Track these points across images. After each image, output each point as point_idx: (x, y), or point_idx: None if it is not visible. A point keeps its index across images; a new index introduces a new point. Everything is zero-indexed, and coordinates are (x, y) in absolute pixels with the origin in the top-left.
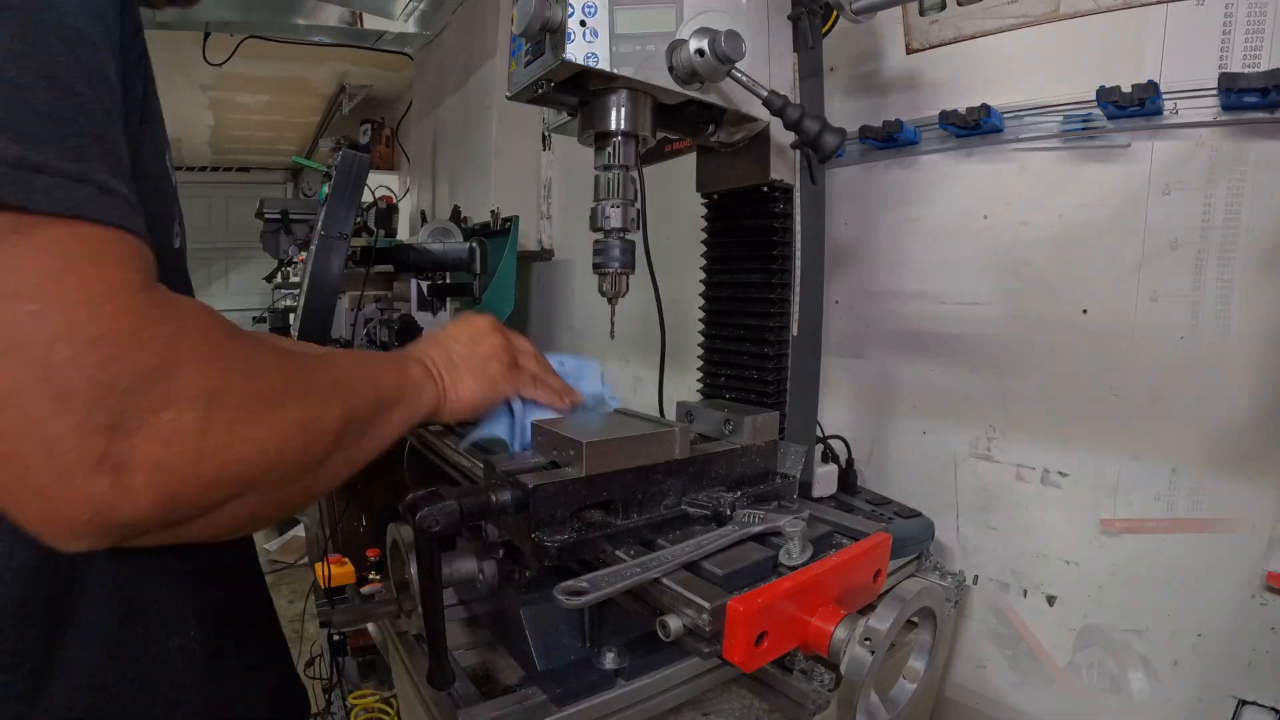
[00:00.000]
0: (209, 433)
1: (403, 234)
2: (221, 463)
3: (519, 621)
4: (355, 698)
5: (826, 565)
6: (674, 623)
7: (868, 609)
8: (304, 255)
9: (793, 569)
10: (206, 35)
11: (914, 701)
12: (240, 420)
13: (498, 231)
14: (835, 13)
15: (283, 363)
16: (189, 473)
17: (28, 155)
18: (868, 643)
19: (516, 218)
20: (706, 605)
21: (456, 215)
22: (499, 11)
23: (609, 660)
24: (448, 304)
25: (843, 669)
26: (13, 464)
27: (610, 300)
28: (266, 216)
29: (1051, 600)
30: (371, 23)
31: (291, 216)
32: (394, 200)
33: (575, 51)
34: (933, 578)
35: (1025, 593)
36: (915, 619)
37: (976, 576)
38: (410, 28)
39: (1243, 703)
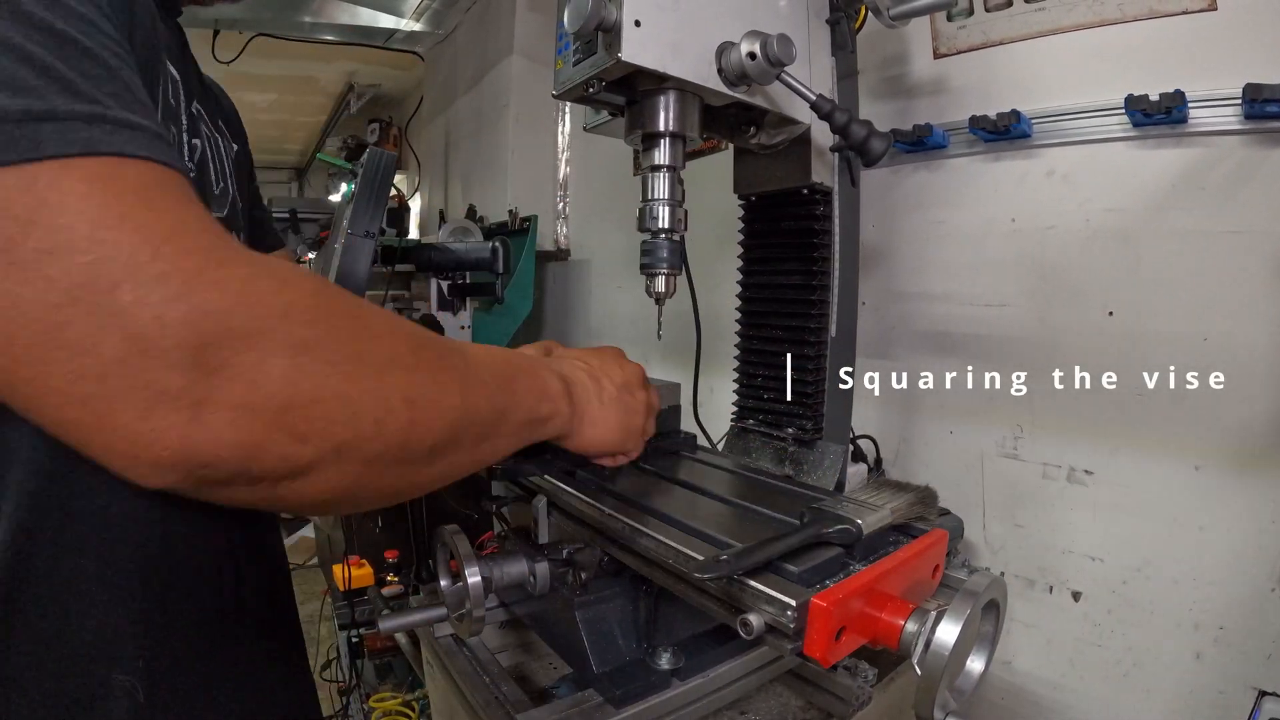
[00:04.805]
0: (298, 382)
1: (412, 233)
2: (310, 417)
3: (573, 623)
4: (376, 700)
5: (895, 561)
6: (755, 620)
7: (929, 603)
8: (310, 255)
9: (862, 565)
10: (216, 33)
11: (981, 689)
12: (335, 375)
13: (516, 231)
14: (864, 13)
15: (394, 328)
16: (274, 420)
17: (32, 106)
18: (945, 637)
19: (535, 217)
20: (791, 602)
21: (472, 214)
22: (514, 11)
23: (664, 660)
24: (468, 304)
25: (915, 661)
26: (96, 404)
27: (658, 301)
28: (275, 216)
29: (1077, 596)
30: (382, 21)
31: (300, 216)
32: (405, 199)
33: (631, 52)
34: (961, 574)
35: (1051, 589)
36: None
37: (1002, 573)
38: (421, 26)
39: (1263, 694)
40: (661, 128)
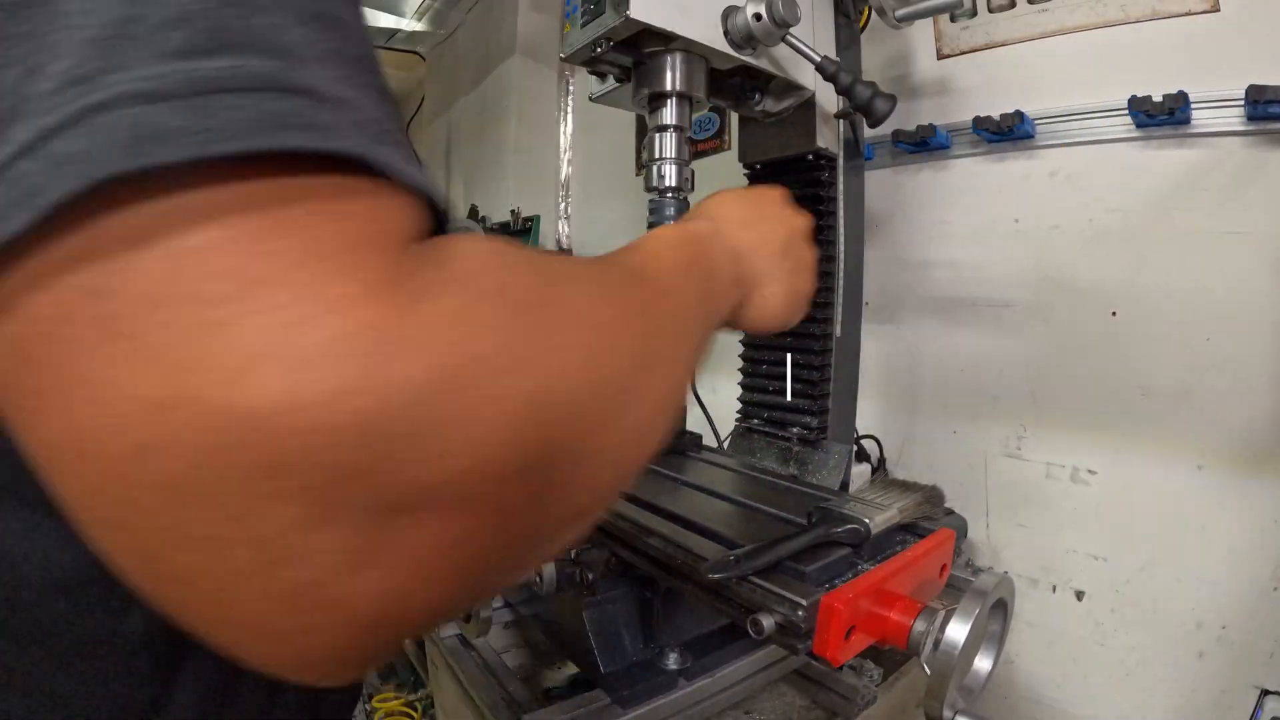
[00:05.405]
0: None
1: None
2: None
3: (580, 624)
4: (379, 700)
5: (903, 560)
6: (766, 620)
7: (936, 602)
8: None
9: (870, 565)
10: None
11: (985, 688)
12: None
13: (518, 230)
14: (868, 13)
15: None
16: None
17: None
18: (954, 636)
19: (537, 217)
20: (803, 601)
21: (474, 214)
22: (516, 11)
23: (672, 661)
24: None
25: (924, 661)
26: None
27: None
28: None
29: (1080, 595)
30: (383, 21)
31: None
32: None
33: (639, 10)
34: (965, 574)
35: (1054, 588)
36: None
37: (1006, 572)
38: (423, 26)
39: (1265, 692)
40: (669, 87)
